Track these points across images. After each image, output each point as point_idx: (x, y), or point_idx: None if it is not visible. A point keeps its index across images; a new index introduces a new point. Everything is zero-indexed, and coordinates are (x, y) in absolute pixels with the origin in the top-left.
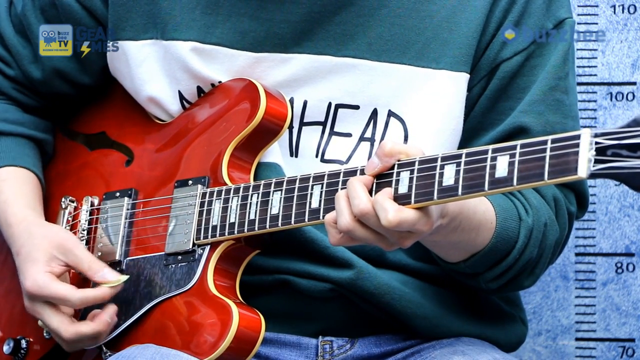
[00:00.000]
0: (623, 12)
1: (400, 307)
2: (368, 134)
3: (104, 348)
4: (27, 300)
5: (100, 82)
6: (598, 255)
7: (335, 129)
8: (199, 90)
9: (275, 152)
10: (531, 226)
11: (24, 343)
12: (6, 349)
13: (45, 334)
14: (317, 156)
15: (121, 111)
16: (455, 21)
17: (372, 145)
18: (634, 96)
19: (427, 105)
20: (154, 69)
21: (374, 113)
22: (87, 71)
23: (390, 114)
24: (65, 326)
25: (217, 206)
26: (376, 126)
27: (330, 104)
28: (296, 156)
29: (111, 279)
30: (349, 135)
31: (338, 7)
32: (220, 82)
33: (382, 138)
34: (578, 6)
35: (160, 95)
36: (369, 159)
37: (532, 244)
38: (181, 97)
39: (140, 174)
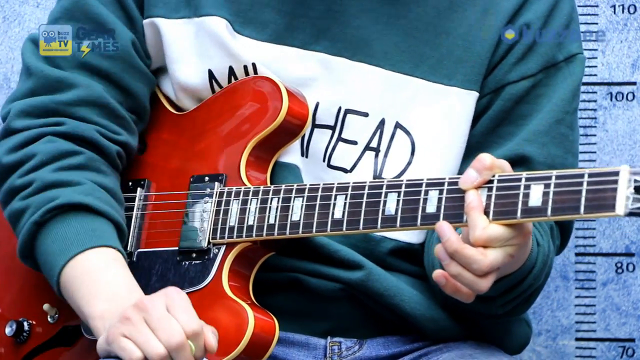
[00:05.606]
0: (623, 12)
1: (409, 308)
2: (374, 144)
3: None
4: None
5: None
6: (598, 255)
7: (343, 135)
8: (231, 71)
9: (294, 153)
10: (547, 252)
11: (26, 325)
12: (8, 330)
13: (49, 319)
14: (324, 160)
15: None
16: (471, 40)
17: (376, 155)
18: (634, 96)
19: (436, 120)
20: (184, 48)
21: (382, 123)
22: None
23: (398, 125)
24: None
25: (234, 207)
26: (382, 136)
27: (340, 108)
28: (306, 157)
29: None
30: (354, 143)
31: (358, 10)
32: (254, 64)
33: (388, 149)
34: (578, 6)
35: (188, 78)
36: (373, 168)
37: (545, 271)
38: (211, 76)
39: (154, 164)
